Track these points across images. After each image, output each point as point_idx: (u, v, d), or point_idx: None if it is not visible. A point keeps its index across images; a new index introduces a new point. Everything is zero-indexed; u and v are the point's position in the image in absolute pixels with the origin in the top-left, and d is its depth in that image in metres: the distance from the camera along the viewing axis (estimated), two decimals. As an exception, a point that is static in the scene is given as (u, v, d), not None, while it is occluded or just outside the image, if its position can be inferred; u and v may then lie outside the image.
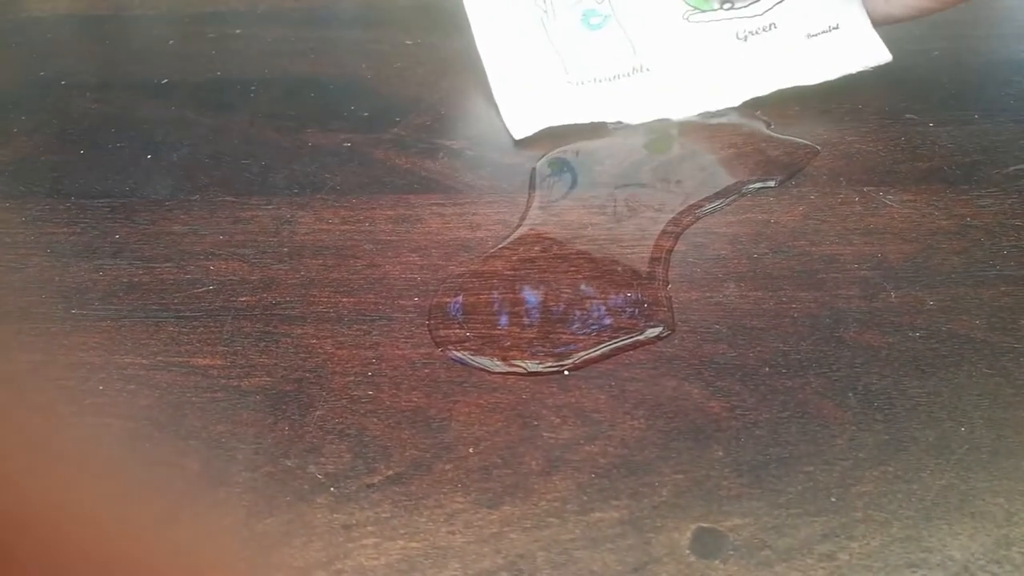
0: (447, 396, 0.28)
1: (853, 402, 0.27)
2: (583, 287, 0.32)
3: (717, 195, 0.37)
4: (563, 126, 0.41)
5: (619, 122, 0.41)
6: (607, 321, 0.31)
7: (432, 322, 0.31)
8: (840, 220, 0.35)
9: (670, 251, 0.34)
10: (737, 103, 0.42)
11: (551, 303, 0.32)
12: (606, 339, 0.30)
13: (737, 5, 0.43)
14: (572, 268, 0.33)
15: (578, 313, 0.31)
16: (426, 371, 0.29)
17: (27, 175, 0.41)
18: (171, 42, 0.51)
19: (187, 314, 0.32)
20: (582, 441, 0.27)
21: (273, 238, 0.35)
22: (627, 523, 0.24)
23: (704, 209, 0.36)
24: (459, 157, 0.40)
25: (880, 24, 0.43)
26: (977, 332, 0.30)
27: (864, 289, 0.32)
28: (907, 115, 0.42)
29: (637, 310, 0.31)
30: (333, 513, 0.25)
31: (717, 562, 0.23)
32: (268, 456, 0.27)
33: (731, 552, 0.23)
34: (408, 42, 0.50)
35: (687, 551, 0.23)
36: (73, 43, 0.53)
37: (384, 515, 0.25)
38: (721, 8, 0.43)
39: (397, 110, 0.44)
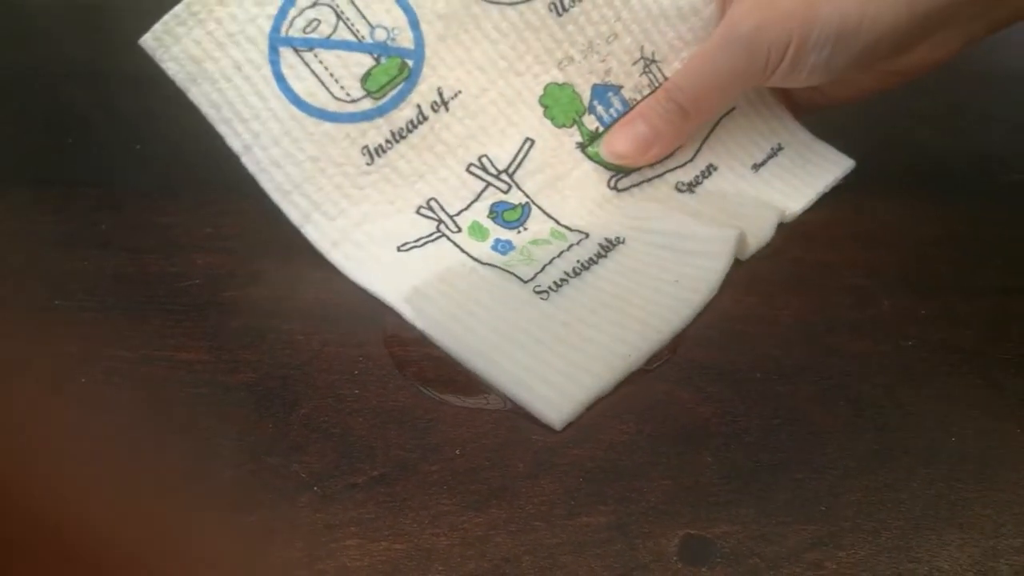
0: (434, 396, 0.28)
1: (844, 410, 0.27)
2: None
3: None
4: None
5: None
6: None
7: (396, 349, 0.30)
8: (834, 227, 0.35)
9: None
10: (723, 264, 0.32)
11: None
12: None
13: (664, 160, 0.36)
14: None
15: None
16: (413, 371, 0.29)
17: (12, 162, 0.40)
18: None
19: (173, 307, 0.31)
20: (570, 444, 0.26)
21: (262, 233, 0.35)
22: (614, 528, 0.24)
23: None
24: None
25: (811, 113, 0.38)
26: (968, 342, 0.30)
27: (857, 297, 0.31)
28: (902, 124, 0.42)
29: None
30: (316, 512, 0.24)
31: (704, 569, 0.23)
32: (252, 453, 0.26)
33: (719, 559, 0.23)
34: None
35: (674, 558, 0.23)
36: (63, 30, 0.53)
37: (368, 516, 0.24)
38: (648, 166, 0.36)
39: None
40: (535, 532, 0.24)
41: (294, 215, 0.33)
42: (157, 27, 0.32)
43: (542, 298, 0.31)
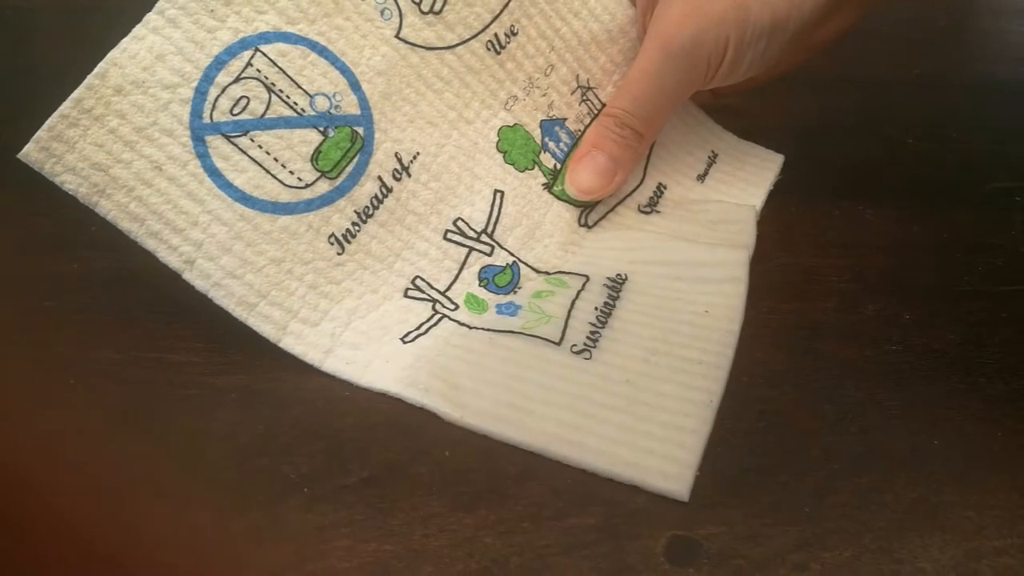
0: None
1: (829, 413, 0.28)
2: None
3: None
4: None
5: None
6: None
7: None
8: (820, 233, 0.35)
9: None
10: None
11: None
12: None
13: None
14: (553, 273, 0.33)
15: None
16: (404, 373, 0.29)
17: (2, 164, 0.40)
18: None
19: (163, 309, 0.32)
20: (559, 446, 0.27)
21: (252, 235, 0.35)
22: (602, 530, 0.24)
23: (685, 218, 0.36)
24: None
25: (735, 96, 0.40)
26: (951, 347, 0.30)
27: (842, 301, 0.32)
28: (887, 132, 0.43)
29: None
30: (306, 514, 0.24)
31: (691, 570, 0.23)
32: (241, 455, 0.26)
33: (705, 560, 0.23)
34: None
35: (661, 559, 0.23)
36: (53, 33, 0.53)
37: (358, 517, 0.24)
38: (609, 196, 0.36)
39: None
40: (524, 533, 0.24)
41: (267, 329, 0.29)
42: (41, 133, 0.26)
43: (584, 358, 0.29)
